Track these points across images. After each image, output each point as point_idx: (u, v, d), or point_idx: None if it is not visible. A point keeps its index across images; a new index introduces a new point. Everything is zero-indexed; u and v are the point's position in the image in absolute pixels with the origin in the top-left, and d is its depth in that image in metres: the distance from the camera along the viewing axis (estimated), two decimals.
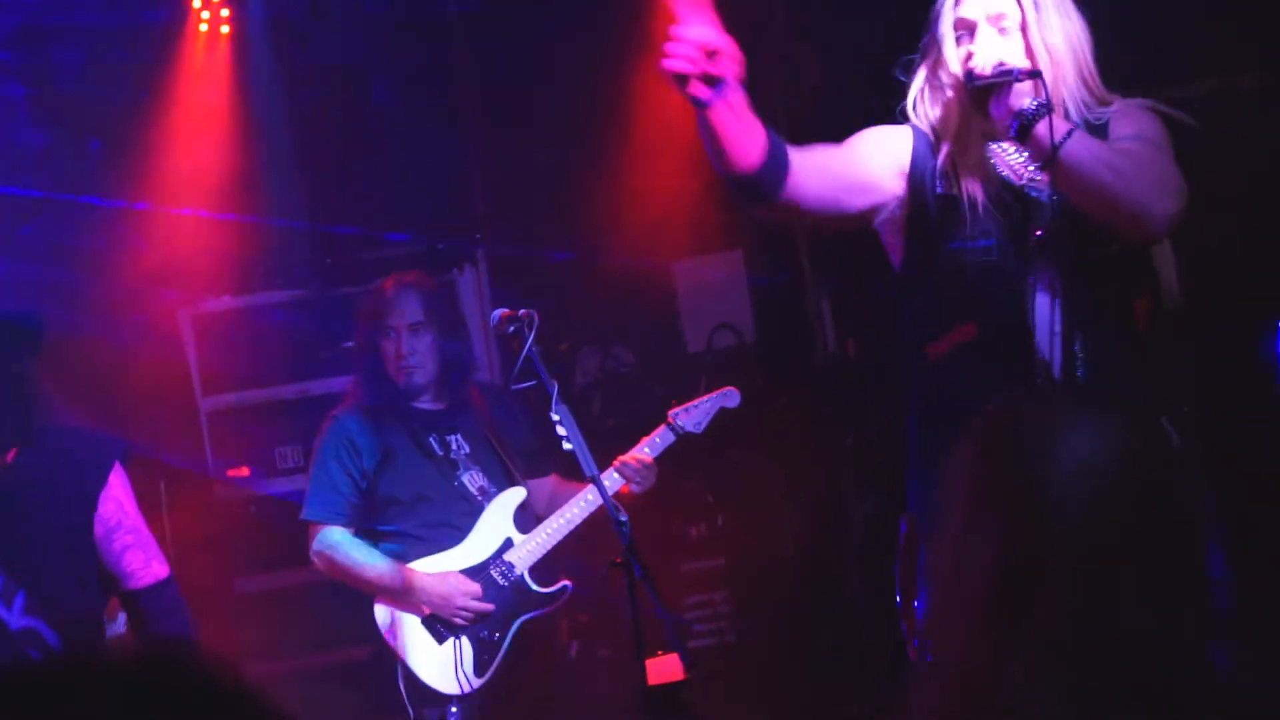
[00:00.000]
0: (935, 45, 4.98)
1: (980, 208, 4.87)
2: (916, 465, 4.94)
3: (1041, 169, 4.78)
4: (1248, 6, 7.41)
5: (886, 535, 8.75)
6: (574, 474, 6.79)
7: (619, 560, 6.18)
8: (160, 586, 5.37)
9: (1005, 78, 4.71)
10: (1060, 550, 2.13)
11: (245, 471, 9.29)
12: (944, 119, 4.99)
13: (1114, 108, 4.94)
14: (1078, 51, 4.89)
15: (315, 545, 7.06)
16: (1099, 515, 2.15)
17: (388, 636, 6.94)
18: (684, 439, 7.20)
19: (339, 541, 7.00)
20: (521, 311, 6.42)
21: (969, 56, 4.84)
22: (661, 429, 7.17)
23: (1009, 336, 4.80)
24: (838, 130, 9.15)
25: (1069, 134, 4.65)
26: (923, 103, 5.05)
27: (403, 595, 6.90)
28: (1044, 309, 4.79)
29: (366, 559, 6.94)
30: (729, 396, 7.35)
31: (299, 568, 7.53)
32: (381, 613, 6.97)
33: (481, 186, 9.92)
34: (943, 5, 4.97)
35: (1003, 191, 4.92)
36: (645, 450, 7.09)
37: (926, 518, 4.64)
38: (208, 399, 9.45)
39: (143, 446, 8.97)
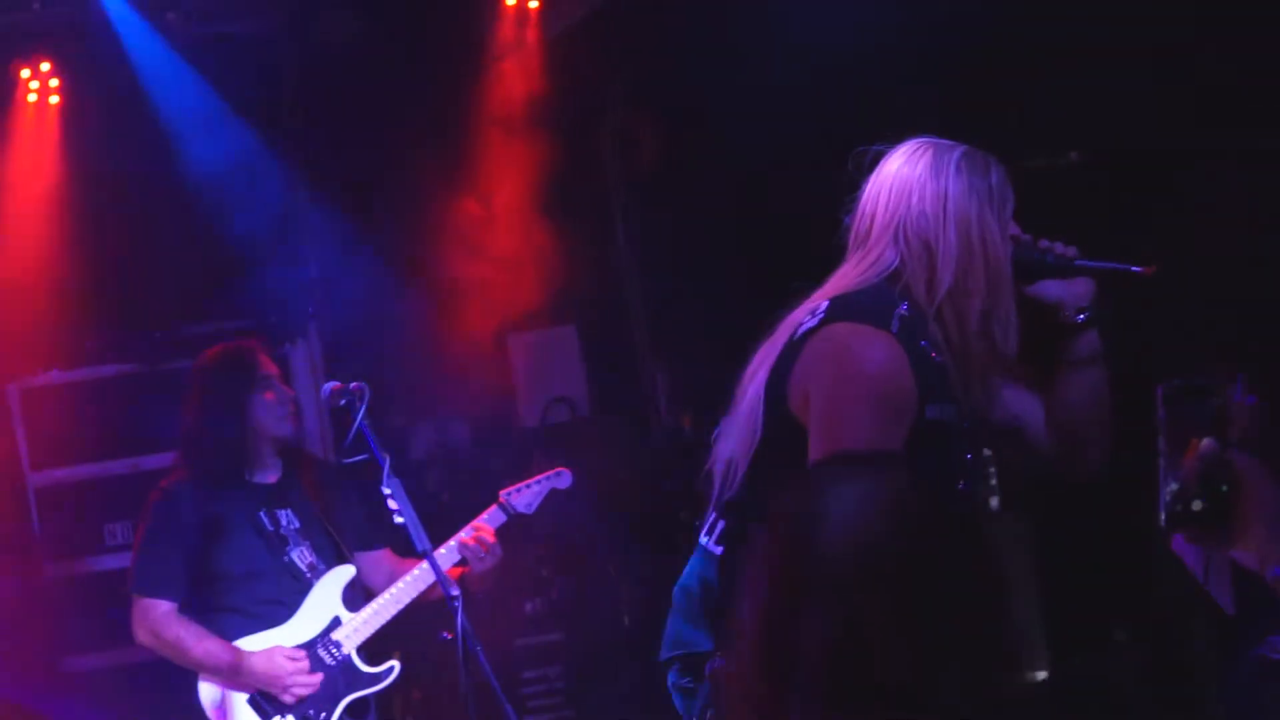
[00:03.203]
0: (984, 224, 4.43)
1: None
2: None
3: (1067, 367, 4.54)
4: (1072, 91, 7.60)
5: None
6: (408, 549, 6.71)
7: (451, 635, 6.14)
8: None
9: (1122, 270, 4.50)
10: (820, 587, 2.46)
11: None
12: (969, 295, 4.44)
13: None
14: None
15: (140, 620, 6.91)
16: (852, 561, 2.47)
17: (214, 715, 6.83)
18: (515, 519, 7.13)
19: (165, 617, 6.86)
20: (353, 385, 6.37)
21: (1056, 243, 4.53)
22: (492, 509, 7.08)
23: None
24: (676, 201, 9.29)
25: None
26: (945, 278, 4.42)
27: (229, 673, 6.79)
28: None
29: (193, 636, 6.82)
30: (561, 478, 7.27)
31: (128, 646, 7.39)
32: (207, 691, 6.86)
33: (315, 261, 9.87)
34: (995, 193, 4.47)
35: None
36: (485, 521, 7.03)
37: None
38: (36, 474, 9.31)
39: None
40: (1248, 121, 7.23)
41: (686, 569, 4.65)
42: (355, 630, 6.92)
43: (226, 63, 9.35)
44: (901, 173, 4.48)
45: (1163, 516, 2.81)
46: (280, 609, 6.91)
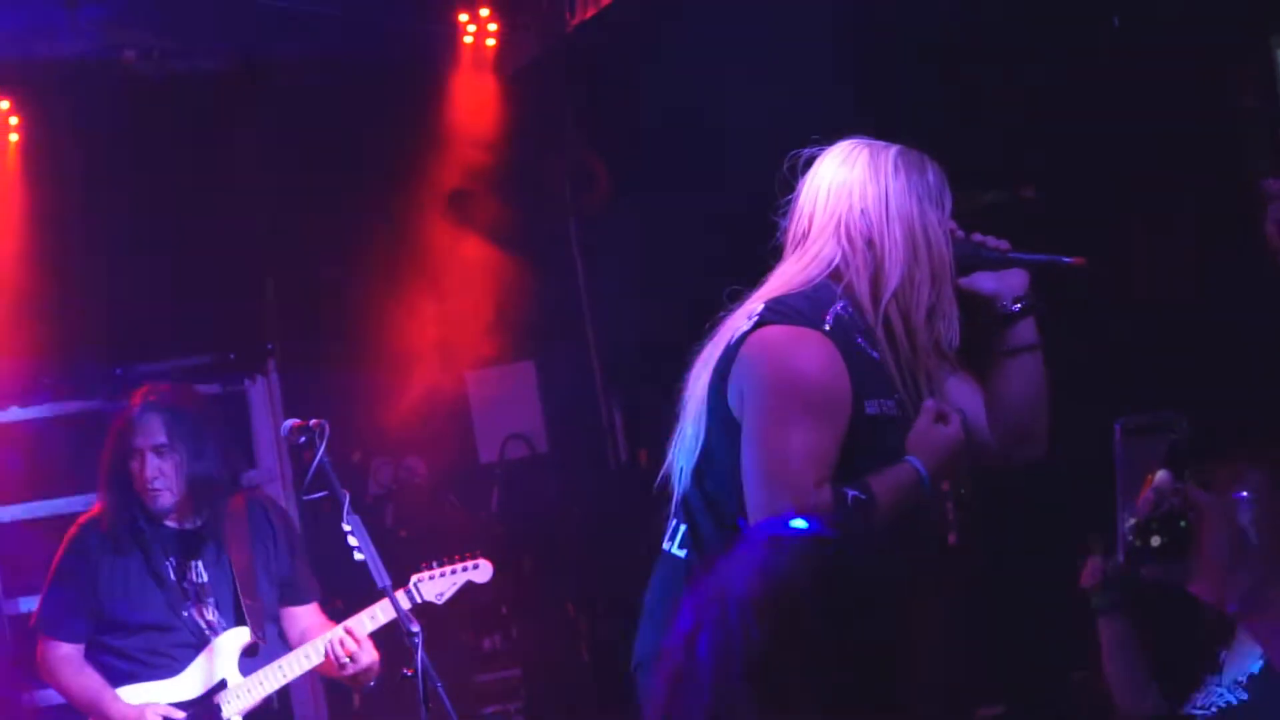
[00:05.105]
0: (921, 224, 4.50)
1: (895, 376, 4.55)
2: None
3: (1005, 356, 4.64)
4: (1026, 128, 7.69)
5: None
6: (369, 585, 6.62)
7: (410, 672, 6.14)
8: None
9: (1052, 262, 4.62)
10: (723, 606, 2.54)
11: None
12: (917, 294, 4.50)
13: None
14: None
15: (42, 659, 6.91)
16: (759, 591, 2.54)
17: None
18: (422, 607, 6.89)
19: (62, 660, 6.84)
20: (312, 422, 6.36)
21: (989, 237, 4.64)
22: (399, 593, 6.75)
23: None
24: (628, 235, 9.33)
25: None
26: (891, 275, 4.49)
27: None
28: None
29: (90, 683, 6.78)
30: (479, 570, 7.09)
31: None
32: None
33: (274, 297, 9.88)
34: (933, 189, 4.56)
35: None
36: (364, 620, 6.80)
37: None
38: None
39: None
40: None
41: (653, 577, 4.70)
42: (238, 697, 6.80)
43: (183, 100, 9.37)
44: (839, 173, 4.57)
45: (1120, 553, 2.87)
46: (170, 663, 6.81)
